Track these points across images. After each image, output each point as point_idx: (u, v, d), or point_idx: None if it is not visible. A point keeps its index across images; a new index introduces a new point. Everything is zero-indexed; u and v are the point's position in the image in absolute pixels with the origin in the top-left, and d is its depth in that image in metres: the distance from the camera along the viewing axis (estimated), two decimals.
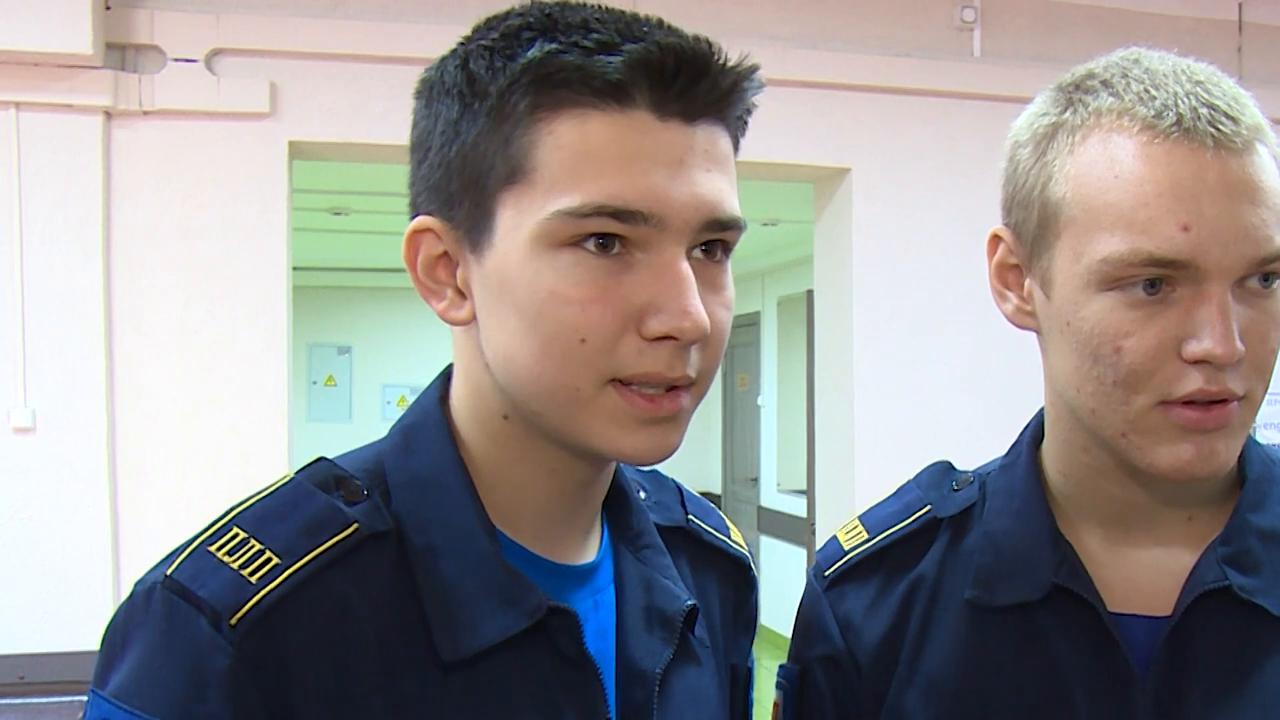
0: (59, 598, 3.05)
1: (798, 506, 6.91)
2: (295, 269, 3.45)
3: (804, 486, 6.44)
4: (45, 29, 2.95)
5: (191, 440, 3.18)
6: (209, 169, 3.19)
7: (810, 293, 4.43)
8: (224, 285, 3.20)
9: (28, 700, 2.95)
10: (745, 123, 0.79)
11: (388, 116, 3.32)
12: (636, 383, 0.74)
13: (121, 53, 3.16)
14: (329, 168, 4.23)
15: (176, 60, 3.16)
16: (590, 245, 0.72)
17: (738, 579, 1.00)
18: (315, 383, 9.14)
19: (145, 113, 3.14)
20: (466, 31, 0.79)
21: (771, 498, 7.74)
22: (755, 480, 8.05)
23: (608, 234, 0.72)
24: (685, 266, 0.73)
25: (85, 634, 3.07)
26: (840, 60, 3.63)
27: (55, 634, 3.03)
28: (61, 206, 3.07)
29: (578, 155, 0.72)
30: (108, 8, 3.08)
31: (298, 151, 3.31)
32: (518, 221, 0.73)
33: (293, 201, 3.34)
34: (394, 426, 0.84)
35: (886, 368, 3.68)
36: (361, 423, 8.92)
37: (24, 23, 2.94)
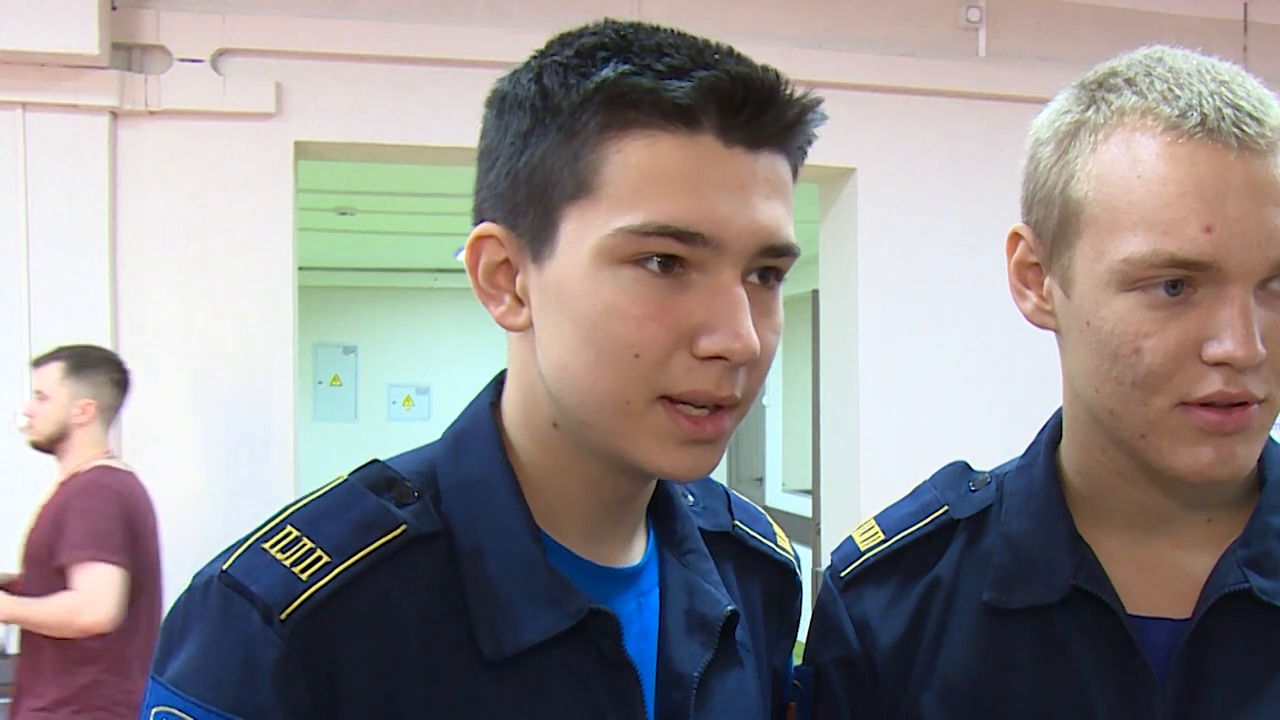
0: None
1: (803, 506, 6.90)
2: (301, 269, 3.45)
3: (809, 486, 6.43)
4: (51, 29, 2.96)
5: (197, 440, 3.18)
6: (215, 169, 3.19)
7: (815, 293, 4.42)
8: (229, 285, 3.20)
9: None
10: (804, 153, 0.81)
11: (393, 116, 3.32)
12: (685, 400, 0.76)
13: (127, 53, 3.16)
14: (334, 167, 4.23)
15: (182, 60, 3.16)
16: (653, 265, 0.74)
17: (782, 583, 1.01)
18: (321, 382, 9.14)
19: (151, 113, 3.14)
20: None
21: (777, 497, 7.74)
22: (760, 480, 8.05)
23: (668, 254, 0.74)
24: (740, 290, 0.75)
25: None
26: (845, 60, 3.63)
27: None
28: (68, 206, 3.08)
29: (644, 175, 0.73)
30: (114, 8, 3.08)
31: (303, 151, 3.31)
32: (581, 235, 0.75)
33: (298, 201, 3.34)
34: (446, 430, 0.86)
35: (891, 368, 3.68)
36: (367, 422, 8.92)
37: (30, 23, 2.94)
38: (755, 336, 0.75)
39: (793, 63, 3.55)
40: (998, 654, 0.93)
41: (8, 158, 3.03)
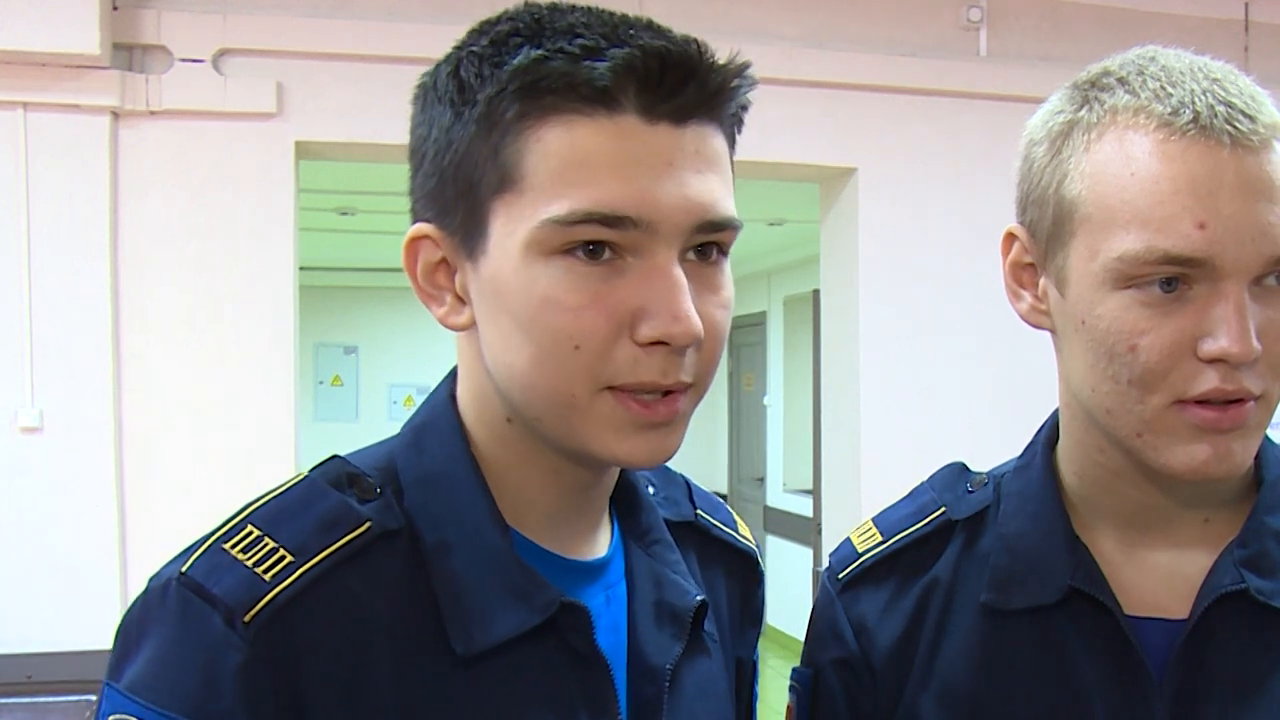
0: (66, 597, 3.05)
1: (804, 506, 6.90)
2: (302, 269, 3.45)
3: (810, 486, 6.43)
4: (52, 29, 2.96)
5: (198, 440, 3.18)
6: (216, 169, 3.19)
7: (816, 292, 4.42)
8: (230, 285, 3.20)
9: (35, 699, 2.96)
10: (740, 119, 0.79)
11: (394, 116, 3.28)
12: (632, 389, 0.74)
13: (129, 53, 3.16)
14: (335, 167, 4.23)
15: (183, 60, 3.16)
16: (580, 253, 0.72)
17: (745, 573, 1.00)
18: (321, 382, 9.15)
19: (152, 113, 3.14)
20: None
21: (778, 497, 7.74)
22: (761, 480, 8.05)
23: (598, 240, 0.72)
24: (676, 270, 0.73)
25: (92, 633, 3.07)
26: (846, 60, 3.62)
27: (62, 633, 3.04)
28: (69, 206, 3.08)
29: (565, 163, 0.72)
30: (115, 8, 3.08)
31: (304, 151, 3.31)
32: (510, 229, 0.73)
33: (299, 201, 3.34)
34: (405, 425, 0.85)
35: (892, 367, 3.68)
36: (367, 422, 8.93)
37: (31, 23, 2.94)
38: (695, 318, 0.72)
39: (794, 62, 3.56)
40: (996, 655, 0.93)
41: (8, 158, 3.03)
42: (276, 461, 3.20)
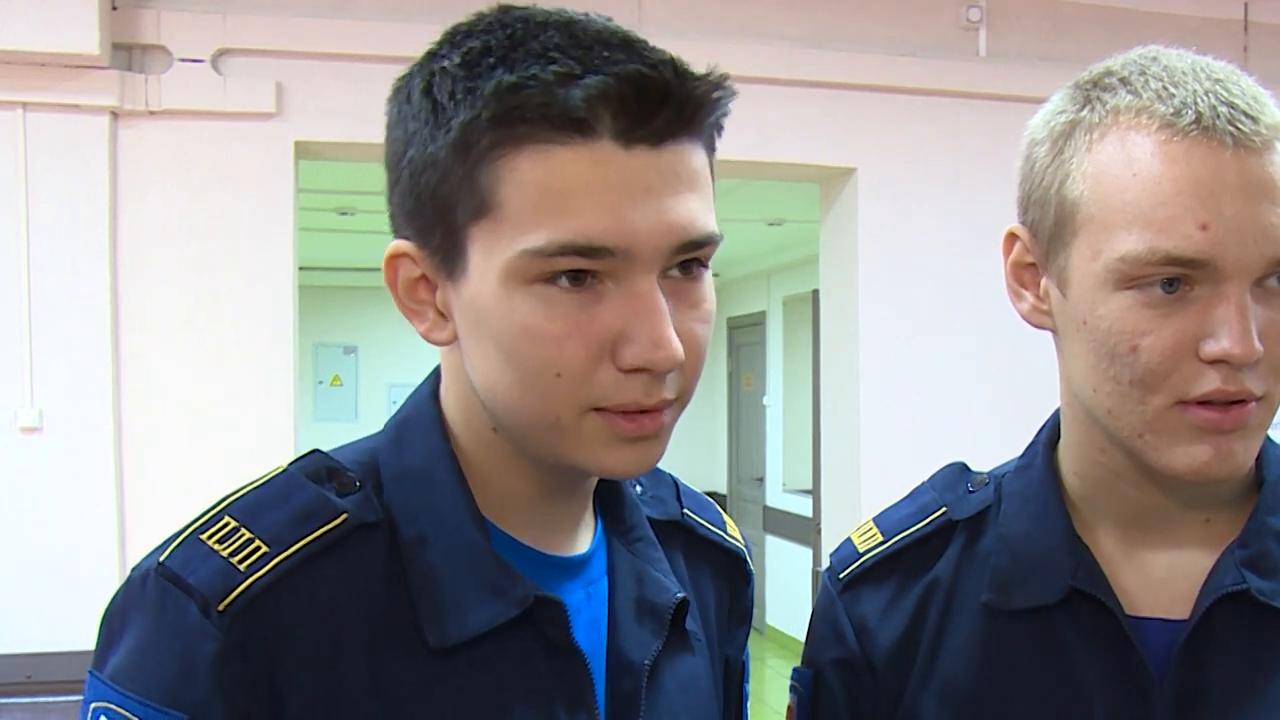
0: (65, 597, 3.05)
1: (803, 506, 6.91)
2: (301, 269, 3.45)
3: (810, 486, 6.44)
4: (52, 29, 2.96)
5: (198, 440, 3.18)
6: (215, 169, 3.19)
7: (816, 292, 4.43)
8: (230, 285, 3.20)
9: (34, 699, 2.96)
10: (720, 127, 0.78)
11: None
12: (617, 410, 0.75)
13: (128, 53, 3.16)
14: (335, 167, 4.23)
15: (183, 60, 3.16)
16: (562, 282, 0.72)
17: (732, 572, 1.00)
18: (321, 382, 9.15)
19: (151, 113, 3.14)
20: None
21: (777, 497, 7.75)
22: (761, 480, 8.05)
23: (577, 270, 0.72)
24: (657, 296, 0.73)
25: (92, 633, 3.06)
26: (846, 60, 3.63)
27: (62, 633, 3.04)
28: (68, 206, 3.08)
29: (541, 193, 0.71)
30: (114, 8, 3.08)
31: (304, 151, 3.31)
32: (488, 256, 0.73)
33: (299, 201, 3.34)
34: (389, 420, 0.85)
35: (892, 367, 3.68)
36: (367, 422, 8.91)
37: (31, 23, 2.94)
38: (677, 344, 0.73)
39: (793, 62, 3.56)
40: (996, 655, 0.93)
41: (8, 158, 3.03)
42: (276, 461, 3.18)
